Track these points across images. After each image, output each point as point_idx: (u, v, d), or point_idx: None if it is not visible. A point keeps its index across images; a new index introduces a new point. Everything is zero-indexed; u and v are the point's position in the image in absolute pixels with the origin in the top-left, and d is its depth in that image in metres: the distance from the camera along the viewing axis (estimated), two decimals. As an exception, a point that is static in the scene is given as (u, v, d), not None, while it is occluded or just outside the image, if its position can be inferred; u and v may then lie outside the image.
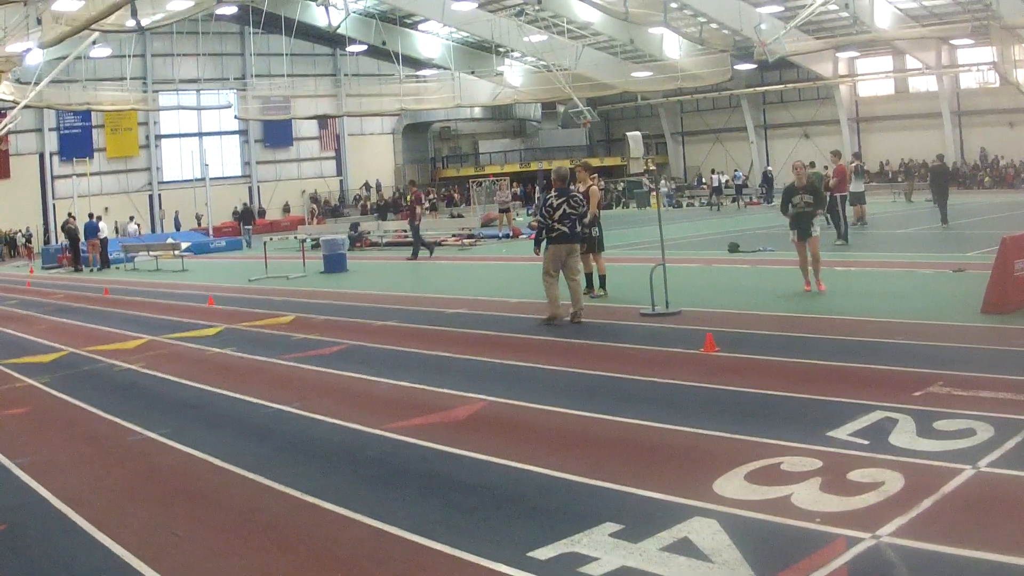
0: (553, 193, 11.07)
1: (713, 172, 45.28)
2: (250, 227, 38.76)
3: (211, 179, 43.99)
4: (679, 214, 37.44)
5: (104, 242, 30.36)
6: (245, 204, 46.23)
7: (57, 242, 38.07)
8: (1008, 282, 9.53)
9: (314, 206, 50.26)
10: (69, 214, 32.96)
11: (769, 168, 44.03)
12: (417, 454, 5.91)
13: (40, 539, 4.82)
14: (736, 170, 45.90)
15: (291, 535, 4.61)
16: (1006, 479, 4.63)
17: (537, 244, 11.40)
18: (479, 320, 11.75)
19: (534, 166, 52.77)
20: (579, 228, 10.99)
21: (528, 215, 35.41)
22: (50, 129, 44.84)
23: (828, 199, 19.08)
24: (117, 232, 40.63)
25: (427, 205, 50.38)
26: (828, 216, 18.86)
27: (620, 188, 49.67)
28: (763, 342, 8.86)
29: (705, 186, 46.54)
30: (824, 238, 18.34)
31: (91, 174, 44.82)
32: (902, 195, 35.65)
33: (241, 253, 33.34)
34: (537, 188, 48.47)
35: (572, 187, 11.55)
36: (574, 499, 4.82)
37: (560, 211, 10.75)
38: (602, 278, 13.13)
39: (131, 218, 43.15)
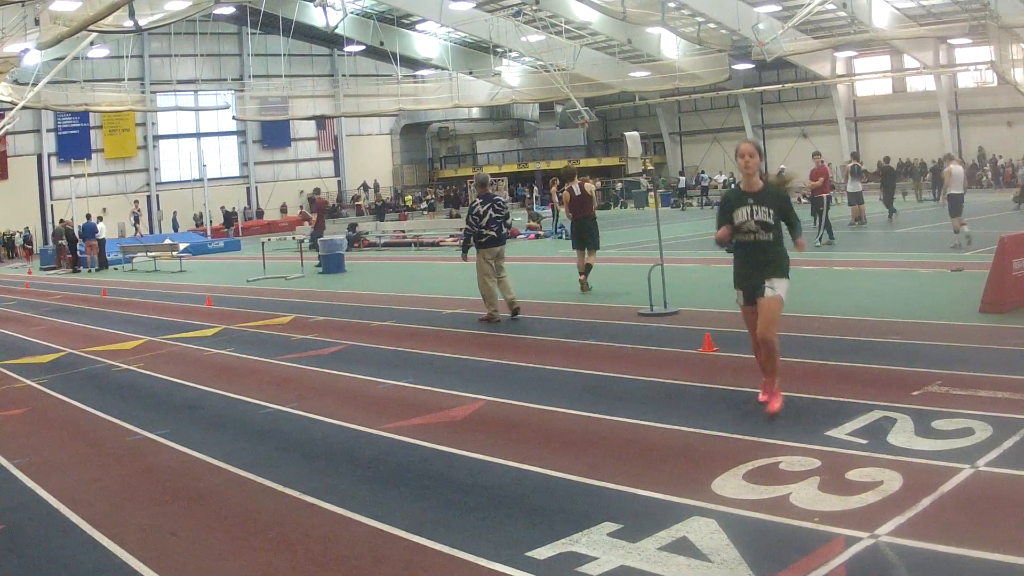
0: (478, 200, 11.43)
1: (681, 174, 46.16)
2: (229, 229, 40.12)
3: (209, 180, 43.99)
4: (678, 214, 37.45)
5: (102, 243, 30.37)
6: (222, 208, 46.41)
7: (50, 243, 38.11)
8: (1006, 281, 9.55)
9: (303, 210, 49.98)
10: (61, 220, 33.19)
11: (783, 167, 43.92)
12: (415, 454, 5.91)
13: (39, 539, 4.82)
14: (699, 172, 46.43)
15: (290, 535, 4.61)
16: (1004, 478, 4.63)
17: (465, 250, 11.58)
18: (476, 320, 11.74)
19: (532, 166, 52.79)
20: (504, 231, 11.37)
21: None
22: (48, 130, 44.81)
23: (812, 203, 18.98)
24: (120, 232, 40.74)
25: (424, 205, 50.50)
26: (815, 221, 18.56)
27: (618, 188, 49.69)
28: (761, 342, 8.85)
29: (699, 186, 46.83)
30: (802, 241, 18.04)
31: (89, 175, 44.80)
32: (901, 195, 35.57)
33: (239, 254, 33.33)
34: (536, 188, 48.55)
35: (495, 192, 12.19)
36: (572, 499, 4.82)
37: (487, 217, 11.17)
38: (588, 267, 13.63)
39: (135, 204, 42.83)
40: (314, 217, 24.07)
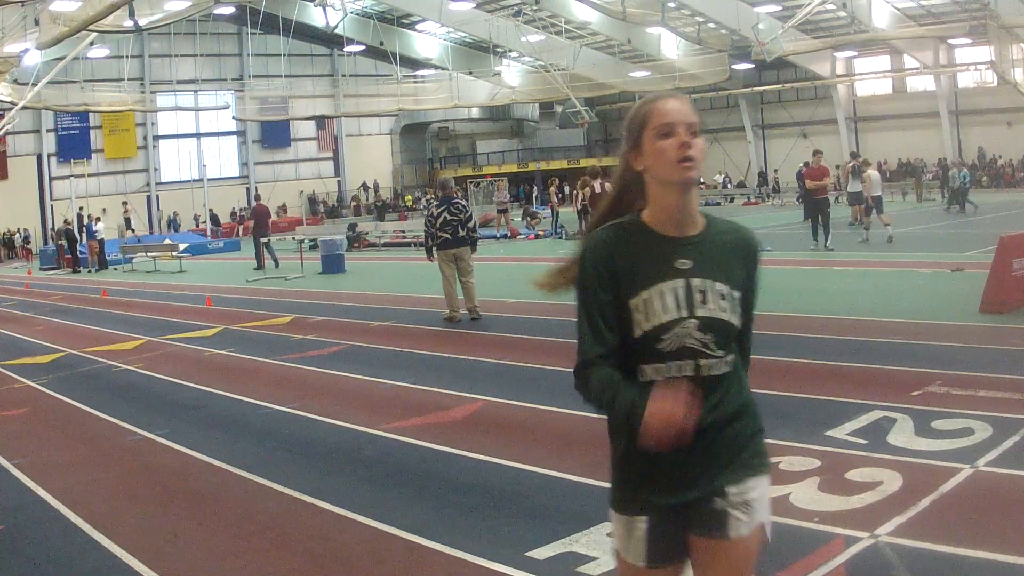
0: (435, 202, 11.90)
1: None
2: (218, 229, 40.40)
3: (209, 180, 43.96)
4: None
5: (101, 243, 30.38)
6: (211, 211, 46.08)
7: (50, 243, 38.03)
8: (1006, 281, 9.55)
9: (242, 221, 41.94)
10: (65, 220, 33.15)
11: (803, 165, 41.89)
12: (415, 454, 5.91)
13: (39, 539, 4.82)
14: None
15: (290, 535, 4.61)
16: (1004, 478, 4.63)
17: (428, 252, 11.93)
18: (476, 320, 11.73)
19: (532, 166, 52.78)
20: (462, 232, 11.53)
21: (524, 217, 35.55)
22: (48, 130, 44.79)
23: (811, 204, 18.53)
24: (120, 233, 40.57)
25: (424, 206, 50.44)
26: (814, 224, 18.04)
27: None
28: (761, 342, 8.79)
29: None
30: (798, 244, 17.97)
31: (89, 175, 44.77)
32: (901, 194, 35.56)
33: (239, 254, 33.30)
34: (535, 188, 48.58)
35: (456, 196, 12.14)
36: (572, 499, 4.82)
37: (441, 219, 11.50)
38: None
39: (125, 205, 41.70)
40: (249, 223, 24.63)
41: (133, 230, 40.17)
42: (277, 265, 22.86)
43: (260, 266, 22.80)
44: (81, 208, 39.57)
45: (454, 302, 11.65)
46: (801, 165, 32.00)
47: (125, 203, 42.17)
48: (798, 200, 33.58)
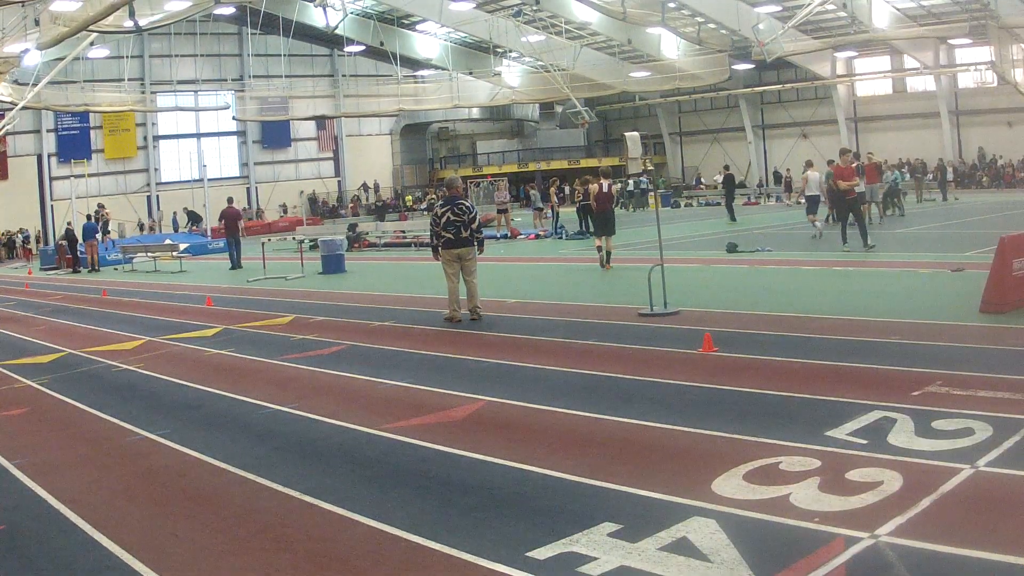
0: (439, 202, 12.02)
1: (641, 175, 45.79)
2: (196, 228, 42.16)
3: (209, 180, 43.96)
4: (676, 214, 37.47)
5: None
6: (186, 209, 45.71)
7: (51, 244, 37.84)
8: (1006, 281, 9.54)
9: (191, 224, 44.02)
10: (68, 223, 33.05)
11: (808, 162, 40.40)
12: (415, 454, 5.91)
13: (38, 539, 4.82)
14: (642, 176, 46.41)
15: (290, 535, 4.61)
16: (1005, 478, 4.63)
17: (434, 251, 11.90)
18: (476, 320, 11.74)
19: (532, 167, 52.79)
20: (464, 233, 11.52)
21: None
22: (48, 130, 44.83)
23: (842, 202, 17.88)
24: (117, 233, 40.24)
25: (424, 206, 50.50)
26: (848, 225, 16.99)
27: (618, 188, 49.78)
28: (761, 342, 8.86)
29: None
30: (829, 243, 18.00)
31: (89, 175, 44.79)
32: (902, 195, 35.45)
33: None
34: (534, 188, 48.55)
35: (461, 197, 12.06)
36: (572, 499, 4.82)
37: (445, 219, 11.52)
38: (608, 254, 16.49)
39: (101, 208, 39.46)
40: (236, 224, 25.52)
41: (109, 232, 38.53)
42: (234, 267, 24.34)
43: (237, 265, 24.31)
44: (100, 205, 39.33)
45: (455, 302, 11.64)
46: (827, 166, 29.44)
47: (101, 205, 40.20)
48: (801, 200, 33.21)
